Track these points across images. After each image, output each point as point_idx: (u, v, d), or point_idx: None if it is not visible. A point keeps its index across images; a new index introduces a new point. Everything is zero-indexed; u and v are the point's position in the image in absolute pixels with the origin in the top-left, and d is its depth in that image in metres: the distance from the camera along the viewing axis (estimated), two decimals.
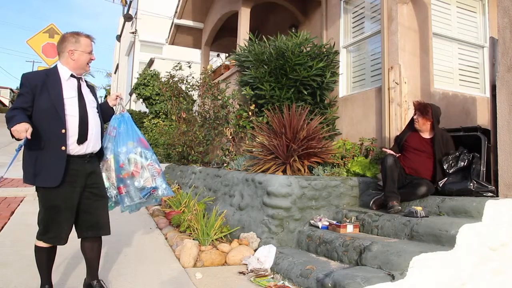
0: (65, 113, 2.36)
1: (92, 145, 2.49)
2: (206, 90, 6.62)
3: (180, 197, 5.50)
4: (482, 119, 4.96)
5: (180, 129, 6.94)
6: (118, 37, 24.48)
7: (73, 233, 2.49)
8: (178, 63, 7.34)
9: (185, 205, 5.16)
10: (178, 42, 10.09)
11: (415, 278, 2.43)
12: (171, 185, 6.02)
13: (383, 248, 2.71)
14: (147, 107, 13.36)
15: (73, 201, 2.42)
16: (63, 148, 2.33)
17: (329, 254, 3.20)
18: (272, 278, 3.12)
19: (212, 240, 3.92)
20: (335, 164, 4.50)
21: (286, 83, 5.29)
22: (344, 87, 5.68)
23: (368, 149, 4.75)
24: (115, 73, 27.83)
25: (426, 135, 3.79)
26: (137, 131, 2.75)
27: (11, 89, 47.79)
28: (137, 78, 13.50)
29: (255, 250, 3.59)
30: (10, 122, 2.17)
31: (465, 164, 3.49)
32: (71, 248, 2.95)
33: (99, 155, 2.62)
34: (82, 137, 2.42)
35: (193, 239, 3.85)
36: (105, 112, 2.73)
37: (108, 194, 2.65)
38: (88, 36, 2.53)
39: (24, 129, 2.12)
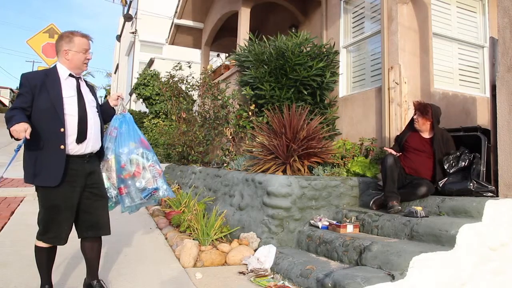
0: (64, 112, 2.36)
1: (91, 145, 2.48)
2: (206, 90, 6.62)
3: (180, 197, 5.50)
4: (482, 119, 4.96)
5: (180, 129, 6.94)
6: (118, 37, 24.48)
7: (73, 233, 2.49)
8: (178, 63, 7.34)
9: (185, 205, 5.16)
10: (178, 42, 10.09)
11: (415, 278, 2.43)
12: (171, 185, 6.02)
13: (383, 248, 2.71)
14: (147, 107, 13.36)
15: (73, 201, 2.42)
16: (62, 147, 2.33)
17: (329, 254, 3.20)
18: (272, 278, 3.12)
19: (212, 240, 3.92)
20: (335, 164, 4.50)
21: (286, 83, 5.29)
22: (344, 87, 5.68)
23: (368, 149, 4.75)
24: (115, 73, 27.83)
25: (426, 135, 3.79)
26: (138, 132, 2.75)
27: (11, 89, 47.79)
28: (137, 78, 13.50)
29: (255, 250, 3.59)
30: (9, 122, 2.17)
31: (465, 164, 3.49)
32: (71, 248, 2.95)
33: (99, 155, 2.62)
34: (81, 136, 2.42)
35: (193, 239, 3.85)
36: (106, 112, 2.72)
37: (108, 195, 2.65)
38: (83, 36, 2.50)
39: (23, 129, 2.11)
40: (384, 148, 4.00)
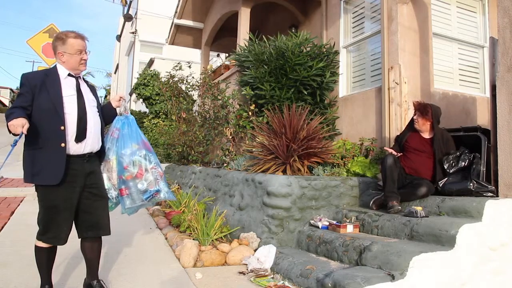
0: (64, 111, 2.36)
1: (90, 144, 2.48)
2: (206, 90, 6.62)
3: (180, 197, 5.50)
4: (482, 119, 4.96)
5: (180, 129, 6.94)
6: (118, 37, 24.47)
7: (73, 233, 2.49)
8: (178, 63, 7.34)
9: (185, 205, 5.16)
10: (178, 42, 10.09)
11: (415, 278, 2.43)
12: (171, 185, 6.03)
13: (383, 248, 2.71)
14: (147, 107, 13.36)
15: (72, 201, 2.42)
16: (63, 145, 2.33)
17: (329, 254, 3.20)
18: (272, 278, 3.12)
19: (212, 240, 3.92)
20: (335, 164, 4.50)
21: (286, 83, 5.29)
22: (344, 87, 5.68)
23: (368, 149, 4.75)
24: (115, 73, 27.82)
25: (426, 135, 3.79)
26: (140, 133, 2.76)
27: (11, 89, 47.80)
28: (137, 78, 13.49)
29: (255, 250, 3.59)
30: (8, 118, 2.18)
31: (465, 164, 3.49)
32: (71, 248, 2.95)
33: (100, 155, 2.62)
34: (81, 135, 2.42)
35: (193, 239, 3.85)
36: (108, 113, 2.72)
37: (109, 195, 2.64)
38: (77, 36, 2.46)
39: (20, 124, 2.12)
40: (384, 148, 4.00)
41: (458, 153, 3.58)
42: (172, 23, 9.45)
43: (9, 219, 4.73)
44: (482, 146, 3.54)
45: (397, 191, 3.49)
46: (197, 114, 7.10)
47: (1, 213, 4.91)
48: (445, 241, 2.71)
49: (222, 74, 7.41)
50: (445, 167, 3.54)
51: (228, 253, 3.57)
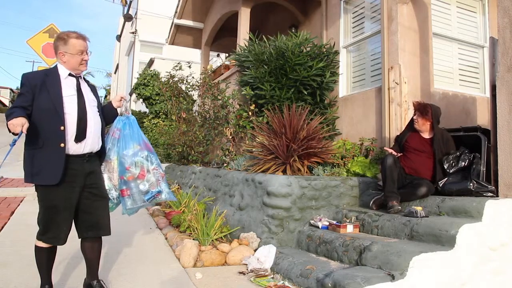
0: (63, 111, 2.36)
1: (90, 144, 2.48)
2: (206, 90, 6.62)
3: (180, 197, 5.50)
4: (482, 119, 4.96)
5: (180, 129, 6.94)
6: (118, 37, 24.47)
7: (73, 233, 2.49)
8: (178, 63, 7.34)
9: (185, 205, 5.16)
10: (178, 42, 10.09)
11: (415, 278, 2.43)
12: (171, 185, 6.02)
13: (383, 248, 2.71)
14: (147, 107, 13.35)
15: (72, 201, 2.42)
16: (62, 145, 2.33)
17: (329, 254, 3.20)
18: (272, 278, 3.12)
19: (212, 240, 3.92)
20: (335, 164, 4.50)
21: (286, 83, 5.29)
22: (344, 87, 5.68)
23: (368, 149, 4.75)
24: (115, 73, 27.82)
25: (426, 135, 3.79)
26: (142, 134, 2.76)
27: (11, 89, 47.80)
28: (137, 78, 13.49)
29: (255, 250, 3.59)
30: (8, 117, 2.18)
31: (465, 164, 3.49)
32: (71, 248, 2.95)
33: (100, 155, 2.62)
34: (80, 135, 2.42)
35: (193, 239, 3.85)
36: (108, 113, 2.72)
37: (109, 196, 2.64)
38: (79, 37, 2.47)
39: (20, 123, 2.12)
40: (385, 148, 3.99)
41: (458, 153, 3.58)
42: (172, 23, 9.45)
43: (9, 219, 4.73)
44: (482, 146, 3.54)
45: (397, 191, 3.49)
46: (197, 114, 7.10)
47: (1, 213, 4.90)
48: (445, 241, 2.71)
49: (222, 74, 7.41)
50: (445, 167, 3.54)
51: (228, 253, 3.57)
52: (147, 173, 2.67)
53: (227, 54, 10.09)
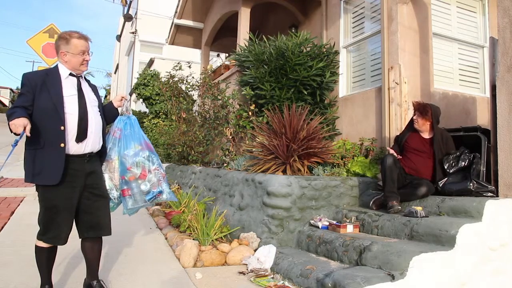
0: (64, 111, 2.36)
1: (91, 144, 2.48)
2: (206, 90, 6.61)
3: (180, 197, 5.50)
4: (482, 119, 4.96)
5: (180, 129, 6.94)
6: (118, 37, 24.46)
7: (74, 233, 2.49)
8: (178, 63, 7.34)
9: (185, 205, 5.17)
10: (178, 42, 10.08)
11: (415, 278, 2.43)
12: (171, 185, 6.02)
13: (383, 248, 2.71)
14: (147, 107, 13.35)
15: (72, 201, 2.42)
16: (62, 145, 2.33)
17: (329, 254, 3.20)
18: (272, 278, 3.12)
19: (212, 240, 3.92)
20: (335, 164, 4.50)
21: (286, 83, 5.29)
22: (344, 87, 5.68)
23: (368, 149, 4.75)
24: (115, 73, 27.81)
25: (426, 135, 3.79)
26: (143, 134, 2.76)
27: (11, 89, 47.81)
28: (137, 78, 13.48)
29: (255, 250, 3.59)
30: (10, 117, 2.18)
31: (465, 164, 3.49)
32: (71, 247, 2.95)
33: (101, 154, 2.62)
34: (81, 135, 2.42)
35: (193, 239, 3.85)
36: (109, 112, 2.72)
37: (110, 196, 2.64)
38: (81, 37, 2.47)
39: (22, 124, 2.12)
40: (387, 148, 3.97)
41: (458, 153, 3.58)
42: (172, 23, 9.45)
43: (9, 219, 4.73)
44: (482, 146, 3.54)
45: (397, 191, 3.49)
46: (197, 114, 7.10)
47: (1, 213, 4.91)
48: (445, 241, 2.71)
49: (222, 74, 7.41)
50: (445, 167, 3.55)
51: (228, 253, 3.57)
52: (148, 173, 2.67)
53: (227, 54, 10.08)
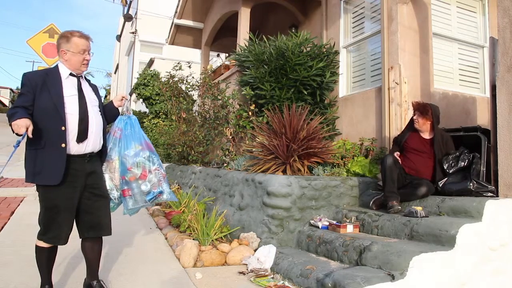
0: (65, 111, 2.36)
1: (92, 144, 2.48)
2: (206, 90, 6.61)
3: (180, 197, 5.50)
4: (482, 119, 4.96)
5: (180, 129, 6.94)
6: (118, 37, 24.46)
7: (74, 233, 2.49)
8: (178, 63, 7.33)
9: (185, 205, 5.17)
10: (178, 42, 10.08)
11: (415, 278, 2.43)
12: (171, 185, 6.02)
13: (383, 248, 2.71)
14: (147, 107, 13.35)
15: (73, 201, 2.41)
16: (63, 145, 2.33)
17: (329, 254, 3.20)
18: (272, 278, 3.12)
19: (212, 240, 3.92)
20: (335, 164, 4.50)
21: (286, 83, 5.29)
22: (344, 87, 5.68)
23: (368, 149, 4.75)
24: (115, 73, 27.81)
25: (426, 135, 3.79)
26: (143, 134, 2.76)
27: (11, 89, 47.81)
28: (137, 78, 13.48)
29: (255, 250, 3.59)
30: (12, 117, 2.18)
31: (465, 164, 3.49)
32: (71, 247, 2.95)
33: (101, 154, 2.62)
34: (82, 135, 2.42)
35: (193, 239, 3.85)
36: (110, 112, 2.71)
37: (111, 196, 2.64)
38: (82, 36, 2.47)
39: (24, 124, 2.12)
40: (395, 154, 3.77)
41: (457, 153, 3.58)
42: (172, 23, 9.45)
43: (9, 219, 4.73)
44: (482, 146, 3.54)
45: (397, 191, 3.49)
46: (197, 114, 7.10)
47: (1, 213, 4.91)
48: (445, 241, 2.71)
49: (222, 74, 7.41)
50: (445, 167, 3.55)
51: (228, 253, 3.57)
52: (148, 173, 2.67)
53: (227, 54, 10.09)
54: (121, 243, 3.92)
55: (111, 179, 2.64)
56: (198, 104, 7.26)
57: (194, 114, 7.20)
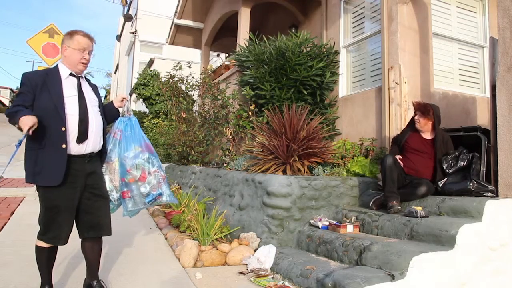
0: (65, 112, 2.36)
1: (92, 144, 2.48)
2: (206, 90, 6.61)
3: (180, 197, 5.50)
4: (482, 119, 4.96)
5: (180, 129, 6.94)
6: (118, 37, 24.46)
7: (74, 233, 2.49)
8: (178, 63, 7.33)
9: (185, 205, 5.17)
10: (178, 42, 10.09)
11: (415, 278, 2.43)
12: (171, 185, 6.02)
13: (383, 248, 2.71)
14: (147, 107, 13.35)
15: (73, 201, 2.41)
16: (64, 146, 2.33)
17: (329, 254, 3.20)
18: (272, 278, 3.12)
19: (212, 240, 3.92)
20: (335, 164, 4.50)
21: (286, 83, 5.29)
22: (344, 87, 5.68)
23: (368, 149, 4.75)
24: (115, 73, 27.81)
25: (427, 135, 3.78)
26: (143, 135, 2.75)
27: (11, 89, 47.79)
28: (137, 78, 13.48)
29: (255, 250, 3.59)
30: (17, 114, 2.18)
31: (464, 164, 3.49)
32: (71, 247, 2.95)
33: (101, 155, 2.62)
34: (82, 136, 2.42)
35: (193, 239, 3.85)
36: (110, 112, 2.71)
37: (110, 197, 2.64)
38: (85, 35, 2.49)
39: (31, 122, 2.13)
40: (397, 157, 3.75)
41: (456, 153, 3.58)
42: (172, 23, 9.45)
43: (9, 219, 4.74)
44: (482, 146, 3.54)
45: (397, 191, 3.49)
46: (197, 114, 7.10)
47: (1, 213, 4.91)
48: (445, 241, 2.71)
49: (222, 74, 7.41)
50: (444, 167, 3.54)
51: (228, 253, 3.57)
52: (148, 175, 2.67)
53: (227, 54, 10.09)
54: (121, 243, 3.92)
55: (111, 181, 2.64)
56: (198, 104, 7.26)
57: (194, 114, 7.20)
